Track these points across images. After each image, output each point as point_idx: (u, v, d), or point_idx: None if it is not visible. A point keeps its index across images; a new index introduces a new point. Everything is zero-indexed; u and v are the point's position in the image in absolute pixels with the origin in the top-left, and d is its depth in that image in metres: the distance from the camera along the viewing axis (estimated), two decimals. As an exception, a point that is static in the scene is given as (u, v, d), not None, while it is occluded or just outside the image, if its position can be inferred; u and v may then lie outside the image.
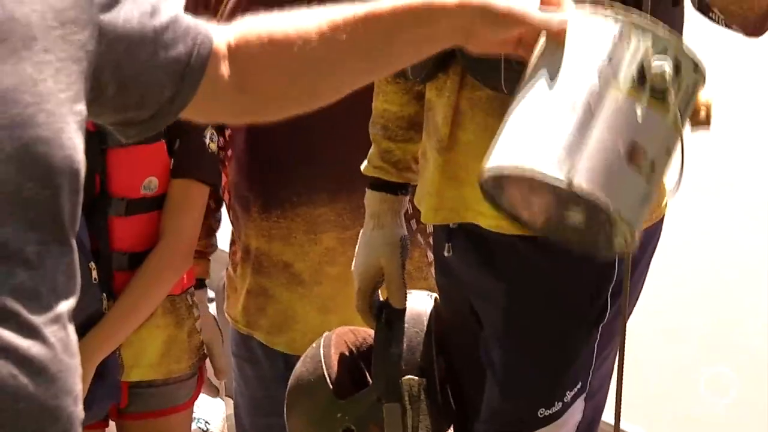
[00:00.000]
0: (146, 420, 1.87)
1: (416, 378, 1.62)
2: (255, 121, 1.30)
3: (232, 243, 1.91)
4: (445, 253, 1.61)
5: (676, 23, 1.58)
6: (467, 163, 1.53)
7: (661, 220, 1.65)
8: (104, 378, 1.75)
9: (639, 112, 0.91)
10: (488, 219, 1.50)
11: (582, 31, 0.92)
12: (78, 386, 0.98)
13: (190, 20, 1.08)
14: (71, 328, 0.96)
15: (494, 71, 1.48)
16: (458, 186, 1.55)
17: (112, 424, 1.93)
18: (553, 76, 0.94)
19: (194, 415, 2.05)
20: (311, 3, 1.72)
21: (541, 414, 1.55)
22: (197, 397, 1.94)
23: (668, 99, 0.89)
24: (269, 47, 1.11)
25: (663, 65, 0.91)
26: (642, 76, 0.89)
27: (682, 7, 1.56)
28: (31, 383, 0.90)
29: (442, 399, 1.65)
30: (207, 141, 1.80)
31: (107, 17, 0.99)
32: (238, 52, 1.12)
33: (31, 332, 0.89)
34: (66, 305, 0.93)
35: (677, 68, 0.88)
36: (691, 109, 0.96)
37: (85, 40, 0.96)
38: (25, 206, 0.89)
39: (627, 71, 0.89)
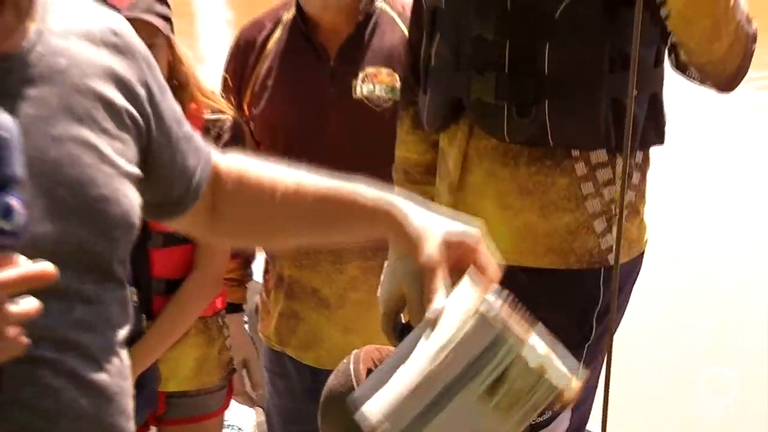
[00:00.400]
0: (181, 425, 2.01)
1: None
2: (215, 242, 1.39)
3: (266, 272, 2.08)
4: None
5: (658, 82, 1.72)
6: (475, 202, 1.69)
7: (642, 254, 1.78)
8: (143, 388, 1.86)
9: (484, 416, 0.91)
10: (503, 251, 1.65)
11: (460, 323, 0.91)
12: (130, 406, 1.06)
13: (199, 140, 1.18)
14: (124, 354, 1.03)
15: (498, 124, 1.64)
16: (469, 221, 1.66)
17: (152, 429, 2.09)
18: (422, 353, 0.96)
19: (229, 422, 2.23)
20: (326, 63, 1.89)
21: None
22: (227, 405, 2.08)
23: (515, 408, 0.89)
24: (244, 188, 1.21)
25: (521, 379, 0.90)
26: (499, 383, 0.89)
27: (663, 67, 1.70)
28: (91, 404, 0.96)
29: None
30: None
31: (160, 104, 1.08)
32: (220, 181, 1.20)
33: (91, 359, 0.96)
34: (121, 334, 1.00)
35: (536, 381, 0.88)
36: (539, 409, 0.94)
37: (140, 117, 1.03)
38: (85, 254, 0.95)
39: (486, 376, 0.88)
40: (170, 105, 1.14)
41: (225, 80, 2.05)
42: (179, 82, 1.82)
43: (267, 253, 2.08)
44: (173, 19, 1.91)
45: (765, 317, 4.27)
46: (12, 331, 0.79)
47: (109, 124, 0.99)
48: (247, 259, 2.15)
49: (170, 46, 1.86)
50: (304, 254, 1.95)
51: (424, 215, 1.11)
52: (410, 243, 1.13)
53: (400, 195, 1.16)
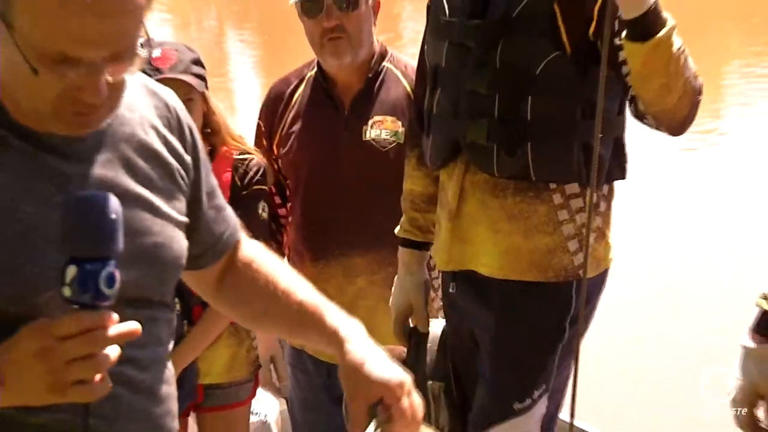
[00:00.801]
0: (216, 412, 2.23)
1: (438, 383, 1.98)
2: (212, 304, 1.46)
3: None
4: (450, 290, 1.95)
5: (621, 127, 1.90)
6: (470, 228, 1.87)
7: (607, 270, 1.95)
8: (185, 382, 2.07)
9: None
10: (484, 268, 1.85)
11: None
12: (175, 407, 1.16)
13: (230, 213, 1.29)
14: (170, 364, 1.13)
15: (489, 162, 1.81)
16: (463, 245, 1.89)
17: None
18: None
19: (255, 410, 2.43)
20: (341, 113, 2.09)
21: (515, 407, 1.88)
22: (255, 395, 2.29)
23: None
24: (251, 272, 1.31)
25: None
26: None
27: (624, 116, 1.87)
28: (143, 408, 1.06)
29: (455, 398, 1.98)
30: (260, 211, 2.11)
31: (201, 172, 1.19)
32: (236, 256, 1.30)
33: (143, 370, 1.05)
34: (168, 348, 1.11)
35: None
36: None
37: (186, 178, 1.13)
38: (143, 291, 1.03)
39: None
40: (208, 176, 1.24)
41: (259, 126, 2.28)
42: (212, 129, 2.02)
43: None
44: (209, 78, 2.11)
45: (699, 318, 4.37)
46: (103, 374, 0.90)
47: (163, 182, 1.08)
48: None
49: (204, 99, 2.04)
50: (321, 269, 2.16)
51: (367, 352, 1.17)
52: (347, 371, 1.17)
53: (357, 327, 1.22)
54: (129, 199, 1.00)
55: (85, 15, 0.89)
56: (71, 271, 0.90)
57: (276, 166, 2.17)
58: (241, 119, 3.00)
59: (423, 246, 2.03)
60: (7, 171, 0.98)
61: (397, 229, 2.01)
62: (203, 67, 2.09)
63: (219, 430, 2.27)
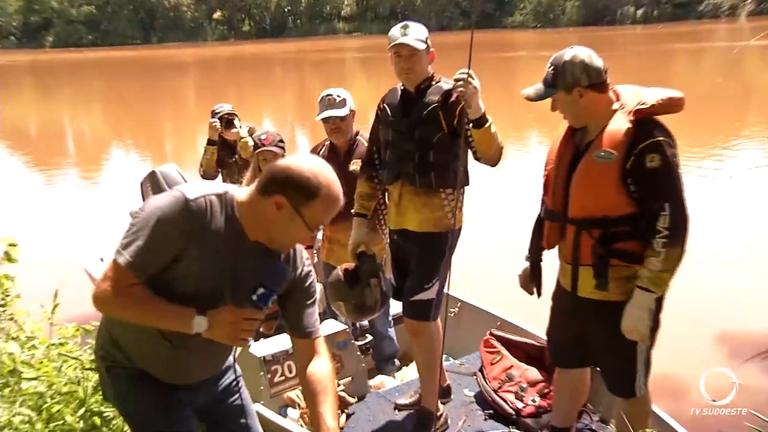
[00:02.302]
0: None
1: (374, 279, 3.36)
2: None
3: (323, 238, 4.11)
4: (395, 237, 3.48)
5: (466, 162, 3.10)
6: (405, 209, 3.28)
7: (461, 227, 3.31)
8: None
9: None
10: (411, 226, 3.29)
11: None
12: (230, 356, 2.25)
13: (317, 321, 2.07)
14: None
15: (414, 181, 3.19)
16: (401, 217, 3.38)
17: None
18: None
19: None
20: (340, 159, 3.92)
21: (425, 287, 3.28)
22: None
23: None
24: (308, 369, 2.10)
25: None
26: None
27: (467, 157, 3.14)
28: (215, 350, 2.13)
29: (385, 287, 3.35)
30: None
31: (302, 280, 2.08)
32: (306, 351, 2.08)
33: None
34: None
35: None
36: None
37: (294, 276, 2.08)
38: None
39: None
40: (307, 285, 2.07)
41: None
42: None
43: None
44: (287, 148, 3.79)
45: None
46: (252, 337, 1.92)
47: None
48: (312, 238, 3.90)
49: (282, 156, 3.67)
50: (338, 227, 3.84)
51: None
52: None
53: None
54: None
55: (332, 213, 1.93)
56: (260, 290, 1.93)
57: None
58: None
59: (365, 216, 3.51)
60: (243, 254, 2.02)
61: (352, 210, 3.49)
62: (283, 142, 3.81)
63: None
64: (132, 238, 1.89)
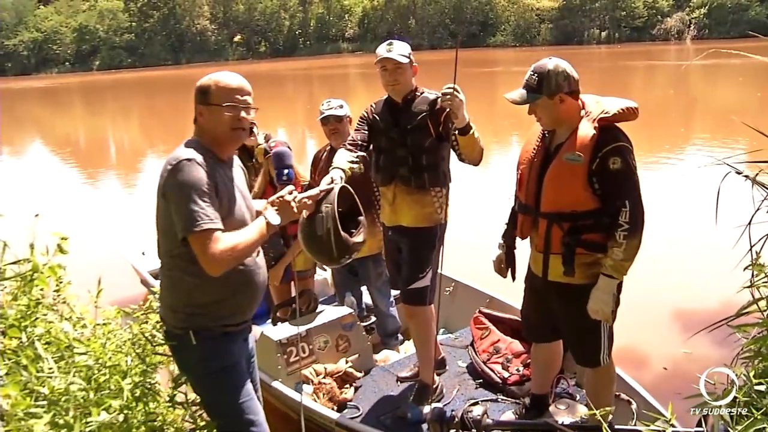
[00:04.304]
0: (300, 281, 3.79)
1: (328, 206, 2.61)
2: None
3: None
4: (389, 233, 3.36)
5: (448, 164, 3.04)
6: (399, 207, 3.18)
7: (447, 222, 3.13)
8: (287, 272, 3.68)
9: None
10: (405, 222, 3.16)
11: None
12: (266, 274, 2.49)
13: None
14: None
15: (409, 181, 3.09)
16: (396, 215, 3.25)
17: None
18: None
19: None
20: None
21: (419, 276, 3.17)
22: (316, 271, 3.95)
23: None
24: None
25: None
26: None
27: (450, 159, 3.08)
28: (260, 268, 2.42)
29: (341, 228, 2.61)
30: None
31: None
32: None
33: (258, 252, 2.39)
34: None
35: None
36: None
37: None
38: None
39: None
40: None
41: (311, 168, 3.89)
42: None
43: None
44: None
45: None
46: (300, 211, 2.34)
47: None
48: None
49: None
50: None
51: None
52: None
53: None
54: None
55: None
56: (285, 171, 2.62)
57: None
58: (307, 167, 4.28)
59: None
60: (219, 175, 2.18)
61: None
62: (290, 149, 3.71)
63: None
64: (188, 211, 2.06)
